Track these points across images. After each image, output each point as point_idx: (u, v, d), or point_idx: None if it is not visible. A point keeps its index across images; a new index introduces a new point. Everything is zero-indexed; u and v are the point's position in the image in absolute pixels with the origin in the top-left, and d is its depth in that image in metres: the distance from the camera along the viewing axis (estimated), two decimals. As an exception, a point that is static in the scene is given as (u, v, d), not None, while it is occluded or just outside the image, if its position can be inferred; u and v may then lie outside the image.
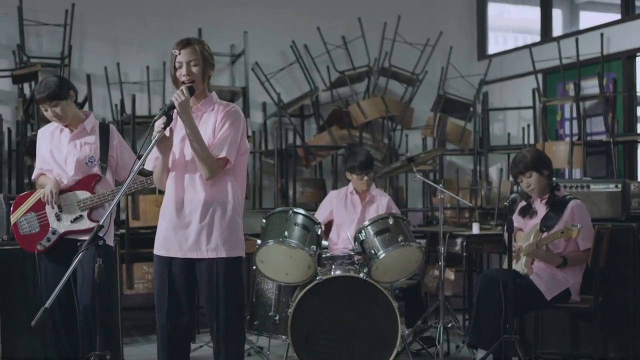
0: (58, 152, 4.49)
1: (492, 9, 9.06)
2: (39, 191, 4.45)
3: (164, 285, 3.67)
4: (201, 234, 3.60)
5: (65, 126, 4.50)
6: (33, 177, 4.64)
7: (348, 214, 5.85)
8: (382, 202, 5.82)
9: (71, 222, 4.42)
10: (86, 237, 4.36)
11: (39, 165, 4.56)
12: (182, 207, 3.63)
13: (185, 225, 3.62)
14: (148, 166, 3.73)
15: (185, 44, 3.61)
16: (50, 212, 4.42)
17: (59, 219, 4.42)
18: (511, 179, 7.64)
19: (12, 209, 4.49)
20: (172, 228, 3.65)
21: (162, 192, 6.47)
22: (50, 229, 4.41)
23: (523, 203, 5.21)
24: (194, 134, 3.52)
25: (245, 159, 3.75)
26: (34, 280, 4.95)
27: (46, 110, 4.42)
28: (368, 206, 5.84)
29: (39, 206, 4.44)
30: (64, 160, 4.48)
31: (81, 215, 4.42)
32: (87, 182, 4.48)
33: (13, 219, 4.47)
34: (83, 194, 4.46)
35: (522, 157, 5.07)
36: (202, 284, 3.65)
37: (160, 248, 3.70)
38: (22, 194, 4.53)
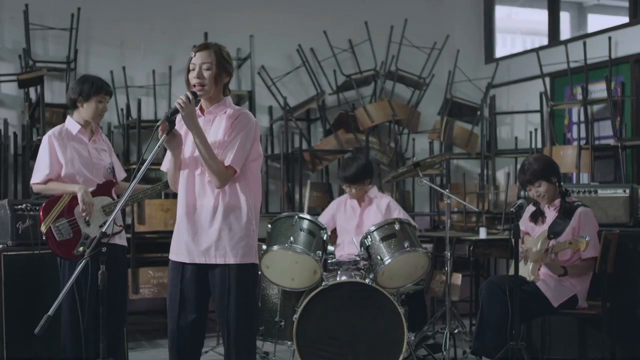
0: (81, 157, 4.48)
1: (500, 12, 9.03)
2: (65, 196, 4.39)
3: (176, 291, 3.66)
4: (211, 239, 3.58)
5: (82, 129, 4.50)
6: (39, 180, 4.44)
7: (348, 219, 5.83)
8: (381, 204, 5.76)
9: (99, 227, 4.41)
10: (114, 242, 4.44)
11: (48, 170, 4.42)
12: (193, 212, 3.61)
13: (195, 230, 3.60)
14: (163, 168, 3.75)
15: (202, 47, 3.60)
16: (79, 218, 4.40)
17: (87, 224, 4.41)
18: (518, 183, 7.65)
19: (41, 215, 4.37)
20: (183, 233, 3.65)
21: (167, 197, 6.56)
22: (82, 234, 4.37)
23: (532, 208, 5.17)
24: (202, 143, 3.48)
25: (258, 165, 3.71)
26: (39, 285, 4.96)
27: (100, 102, 4.47)
28: (366, 209, 5.80)
29: (69, 212, 4.39)
30: (92, 166, 4.49)
31: (107, 220, 4.42)
32: (107, 188, 4.54)
33: (45, 225, 4.35)
34: (105, 200, 4.49)
35: (529, 166, 5.02)
36: (214, 290, 3.63)
37: (173, 253, 3.70)
38: (48, 200, 4.41)
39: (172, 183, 3.73)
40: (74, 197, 4.39)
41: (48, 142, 4.45)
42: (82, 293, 4.26)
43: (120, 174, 4.75)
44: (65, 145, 4.46)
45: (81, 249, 4.32)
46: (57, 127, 4.55)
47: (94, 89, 4.46)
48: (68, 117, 4.57)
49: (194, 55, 3.58)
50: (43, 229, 4.37)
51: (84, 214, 4.37)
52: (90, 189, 4.43)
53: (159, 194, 5.11)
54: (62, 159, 4.45)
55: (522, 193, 5.54)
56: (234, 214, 3.58)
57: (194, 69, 3.57)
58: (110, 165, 4.61)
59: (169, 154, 3.67)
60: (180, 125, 3.62)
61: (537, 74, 7.47)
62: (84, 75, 4.73)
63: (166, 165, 3.73)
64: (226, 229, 3.57)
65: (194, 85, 3.56)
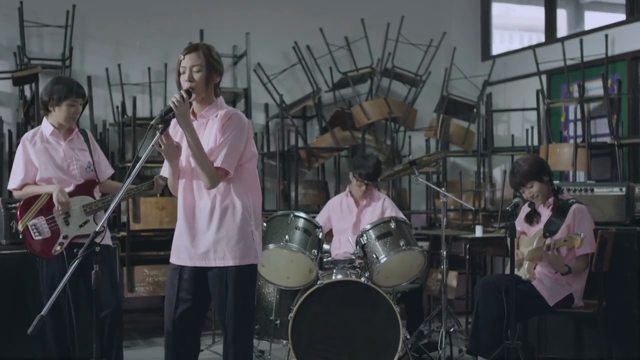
0: (54, 159, 4.45)
1: (497, 8, 9.01)
2: (43, 196, 4.38)
3: (173, 292, 3.65)
4: (208, 242, 3.56)
5: (55, 130, 4.47)
6: (15, 185, 4.45)
7: (344, 218, 5.83)
8: (378, 204, 5.79)
9: (79, 226, 4.40)
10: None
11: (23, 174, 4.43)
12: (191, 215, 3.60)
13: (194, 233, 3.59)
14: (164, 173, 3.73)
15: (191, 49, 3.56)
16: (58, 216, 4.38)
17: (67, 223, 4.39)
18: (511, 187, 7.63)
19: (18, 213, 4.37)
20: (182, 236, 3.64)
21: (163, 195, 6.54)
22: (61, 233, 4.37)
23: (528, 209, 5.16)
24: (194, 142, 3.46)
25: (253, 165, 3.68)
26: (32, 284, 4.94)
27: (72, 106, 4.42)
28: (364, 209, 5.81)
29: (47, 211, 4.37)
30: (66, 167, 4.46)
31: (88, 220, 4.40)
32: (88, 187, 4.50)
33: (22, 224, 4.35)
34: (86, 199, 4.47)
35: (519, 168, 5.00)
36: (213, 292, 3.62)
37: (174, 256, 3.69)
38: (26, 198, 4.41)
39: (173, 189, 3.71)
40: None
41: (22, 147, 4.46)
42: (63, 292, 4.24)
43: (107, 171, 4.70)
44: (38, 148, 4.44)
45: (59, 248, 4.32)
46: (32, 131, 4.56)
47: (64, 92, 4.41)
48: (44, 119, 4.55)
49: (183, 58, 3.55)
50: (20, 227, 4.35)
51: (60, 212, 4.35)
52: (68, 189, 4.40)
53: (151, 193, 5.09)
54: (36, 162, 4.43)
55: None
56: (229, 215, 3.56)
57: (184, 72, 3.54)
58: (89, 164, 4.54)
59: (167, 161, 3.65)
60: (175, 132, 3.61)
61: (534, 71, 7.46)
62: (57, 76, 4.68)
63: (166, 171, 3.72)
64: (223, 231, 3.55)
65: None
